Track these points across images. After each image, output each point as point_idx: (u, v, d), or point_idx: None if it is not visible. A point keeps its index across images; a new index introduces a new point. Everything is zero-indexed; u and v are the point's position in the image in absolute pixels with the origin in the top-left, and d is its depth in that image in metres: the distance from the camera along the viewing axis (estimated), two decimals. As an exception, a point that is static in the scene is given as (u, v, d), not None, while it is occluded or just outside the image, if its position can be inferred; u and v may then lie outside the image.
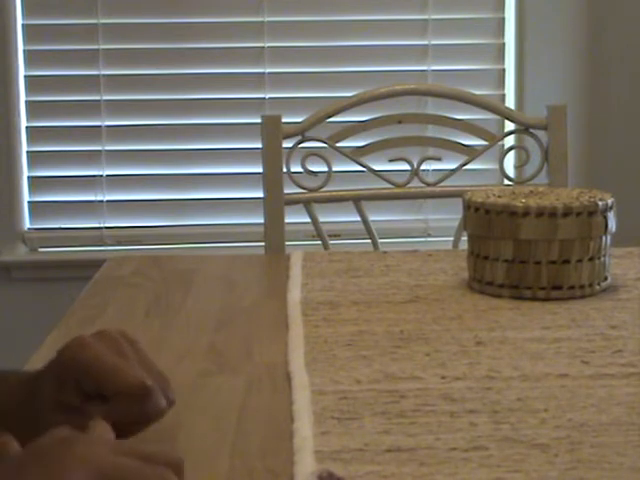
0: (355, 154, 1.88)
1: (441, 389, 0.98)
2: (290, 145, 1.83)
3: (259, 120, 1.83)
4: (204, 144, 2.81)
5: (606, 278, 1.35)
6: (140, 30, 2.79)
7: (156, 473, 0.67)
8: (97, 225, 2.81)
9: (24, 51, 2.78)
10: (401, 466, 0.81)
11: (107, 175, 2.81)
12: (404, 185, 1.89)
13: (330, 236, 1.92)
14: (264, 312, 1.31)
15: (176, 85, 2.79)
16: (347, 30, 2.80)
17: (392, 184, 1.88)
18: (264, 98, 2.80)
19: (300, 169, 1.81)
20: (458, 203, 1.42)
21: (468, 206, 1.36)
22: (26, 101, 2.79)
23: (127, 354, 0.83)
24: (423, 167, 1.88)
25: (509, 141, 2.33)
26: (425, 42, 2.81)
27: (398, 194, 1.90)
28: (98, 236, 2.81)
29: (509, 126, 2.21)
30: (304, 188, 1.84)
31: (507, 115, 1.96)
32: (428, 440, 0.86)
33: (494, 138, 1.91)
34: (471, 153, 1.91)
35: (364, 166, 1.88)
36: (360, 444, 0.85)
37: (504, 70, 2.83)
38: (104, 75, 2.78)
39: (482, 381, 1.00)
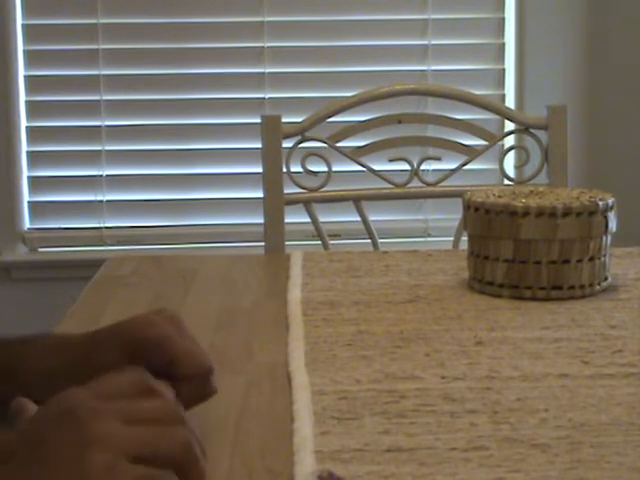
0: (355, 154, 1.88)
1: (441, 389, 0.98)
2: (290, 145, 1.83)
3: (259, 120, 1.83)
4: (204, 144, 2.81)
5: (606, 278, 1.35)
6: (140, 30, 2.79)
7: (174, 435, 0.68)
8: (97, 225, 2.81)
9: (24, 51, 2.78)
10: (401, 466, 0.81)
11: (107, 175, 2.81)
12: (404, 185, 1.89)
13: (330, 236, 1.92)
14: (264, 312, 1.31)
15: (176, 85, 2.79)
16: (347, 30, 2.80)
17: (392, 184, 1.88)
18: (264, 98, 2.80)
19: (300, 169, 1.81)
20: (458, 203, 1.42)
21: (468, 206, 1.36)
22: (26, 101, 2.79)
23: (188, 336, 0.86)
24: (423, 167, 1.88)
25: (509, 141, 2.33)
26: (425, 42, 2.81)
27: (398, 194, 1.90)
28: (98, 236, 2.81)
29: (509, 126, 2.21)
30: (304, 188, 1.84)
31: (507, 115, 1.96)
32: (428, 440, 0.86)
33: (494, 138, 1.91)
34: (471, 153, 1.91)
35: (364, 166, 1.88)
36: (360, 444, 0.85)
37: (504, 70, 2.83)
38: (104, 75, 2.78)
39: (482, 381, 1.00)
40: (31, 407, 0.75)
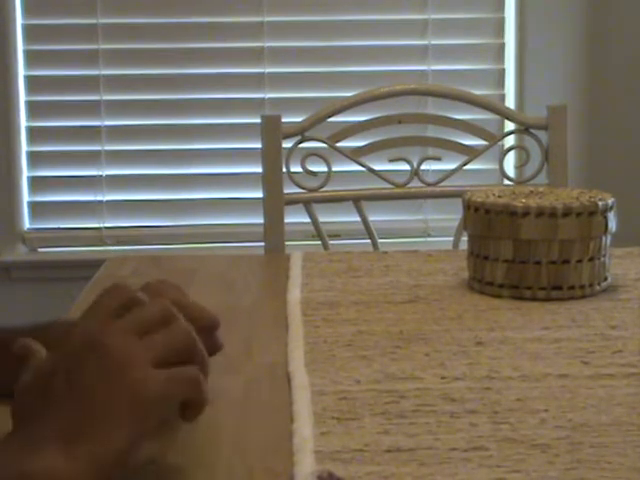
0: (355, 154, 1.88)
1: (441, 389, 0.98)
2: (290, 145, 1.83)
3: (259, 120, 1.83)
4: (204, 144, 2.81)
5: (606, 278, 1.35)
6: (140, 30, 2.79)
7: (177, 329, 0.78)
8: (97, 225, 2.81)
9: (24, 51, 2.78)
10: (401, 466, 0.81)
11: (107, 175, 2.81)
12: (404, 185, 1.89)
13: (330, 236, 1.92)
14: (264, 312, 1.31)
15: (176, 85, 2.80)
16: (347, 30, 2.80)
17: (392, 184, 1.88)
18: (263, 98, 2.80)
19: (300, 169, 1.81)
20: (458, 203, 1.42)
21: (468, 206, 1.36)
22: (26, 101, 2.79)
23: (190, 298, 0.94)
24: (423, 167, 1.88)
25: (509, 141, 2.33)
26: (425, 42, 2.81)
27: (398, 194, 1.90)
28: (98, 236, 2.81)
29: (509, 126, 2.21)
30: (304, 188, 1.84)
31: (507, 115, 1.96)
32: (428, 440, 0.86)
33: (494, 138, 1.91)
34: (471, 153, 1.91)
35: (364, 166, 1.88)
36: (360, 444, 0.85)
37: (504, 70, 2.83)
38: (104, 75, 2.78)
39: (482, 381, 1.00)
40: (38, 348, 0.80)
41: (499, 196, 1.38)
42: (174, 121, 2.80)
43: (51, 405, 0.73)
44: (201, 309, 0.92)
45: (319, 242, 1.89)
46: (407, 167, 1.87)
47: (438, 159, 1.89)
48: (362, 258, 1.56)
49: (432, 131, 2.23)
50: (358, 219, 1.89)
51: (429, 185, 1.89)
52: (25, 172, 2.81)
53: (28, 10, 2.77)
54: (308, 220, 1.87)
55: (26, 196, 2.82)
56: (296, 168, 1.82)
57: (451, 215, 2.24)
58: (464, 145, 1.92)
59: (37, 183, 2.81)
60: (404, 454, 0.83)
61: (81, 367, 0.73)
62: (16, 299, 2.77)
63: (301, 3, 2.80)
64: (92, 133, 2.80)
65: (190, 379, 0.76)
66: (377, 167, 1.88)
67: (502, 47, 2.83)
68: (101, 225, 2.81)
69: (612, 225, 1.33)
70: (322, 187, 1.84)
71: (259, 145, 1.82)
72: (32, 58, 2.78)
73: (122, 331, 0.75)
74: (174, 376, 0.75)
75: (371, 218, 1.89)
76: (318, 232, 1.88)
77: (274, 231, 1.82)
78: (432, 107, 2.54)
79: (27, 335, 0.95)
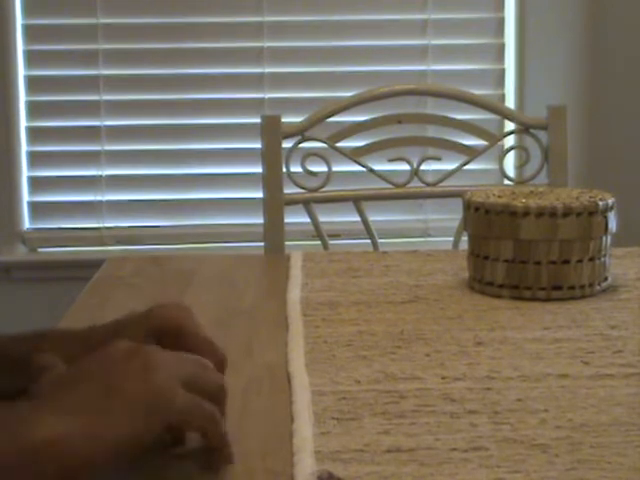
0: (355, 154, 1.88)
1: (441, 389, 0.98)
2: (290, 145, 1.83)
3: (259, 120, 1.82)
4: (204, 144, 2.81)
5: (606, 278, 1.35)
6: (140, 30, 2.78)
7: (214, 375, 0.80)
8: (97, 225, 2.81)
9: (24, 51, 2.78)
10: (401, 466, 0.81)
11: (107, 175, 2.81)
12: (404, 185, 1.89)
13: (330, 236, 1.92)
14: (264, 312, 1.31)
15: (176, 85, 2.79)
16: (347, 30, 2.80)
17: (392, 184, 1.88)
18: (263, 98, 2.80)
19: (300, 169, 1.81)
20: (458, 203, 1.42)
21: (468, 206, 1.36)
22: (26, 101, 2.79)
23: (201, 326, 0.93)
24: (423, 167, 1.88)
25: (509, 141, 2.33)
26: (425, 42, 2.81)
27: (398, 194, 1.90)
28: (98, 236, 2.81)
29: (509, 126, 2.21)
30: (304, 188, 1.84)
31: (507, 115, 1.96)
32: (428, 440, 0.86)
33: (494, 138, 1.91)
34: (471, 153, 1.91)
35: (364, 166, 1.88)
36: (360, 444, 0.85)
37: (504, 70, 2.83)
38: (104, 75, 2.78)
39: (482, 381, 1.00)
40: (56, 362, 0.82)
41: (499, 196, 1.38)
42: (174, 121, 2.80)
43: (66, 385, 0.74)
44: (211, 343, 0.91)
45: (319, 242, 1.89)
46: (407, 167, 1.87)
47: (438, 159, 1.89)
48: (362, 258, 1.56)
49: (432, 131, 2.23)
50: (358, 219, 1.89)
51: (429, 185, 1.89)
52: (25, 172, 2.81)
53: (28, 10, 2.77)
54: (308, 220, 1.87)
55: (26, 196, 2.81)
56: (296, 168, 1.82)
57: (451, 215, 2.24)
58: (464, 145, 1.92)
59: (37, 183, 2.81)
60: (404, 454, 0.83)
61: (114, 363, 0.75)
62: (16, 299, 2.77)
63: (301, 3, 2.80)
64: (92, 133, 2.80)
65: (210, 413, 0.77)
66: (377, 167, 1.88)
67: (502, 47, 2.83)
68: (101, 225, 2.81)
69: (612, 225, 1.33)
70: (322, 187, 1.84)
71: (259, 145, 1.82)
72: (32, 58, 2.78)
73: (160, 349, 0.78)
74: (196, 400, 0.76)
75: (371, 218, 1.89)
76: (318, 232, 1.88)
77: (274, 231, 1.82)
78: (432, 107, 2.53)
79: (28, 343, 0.95)
